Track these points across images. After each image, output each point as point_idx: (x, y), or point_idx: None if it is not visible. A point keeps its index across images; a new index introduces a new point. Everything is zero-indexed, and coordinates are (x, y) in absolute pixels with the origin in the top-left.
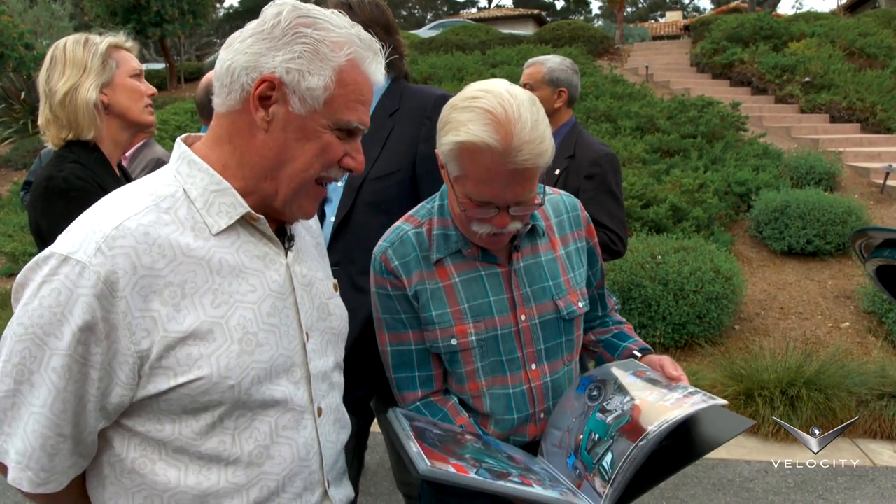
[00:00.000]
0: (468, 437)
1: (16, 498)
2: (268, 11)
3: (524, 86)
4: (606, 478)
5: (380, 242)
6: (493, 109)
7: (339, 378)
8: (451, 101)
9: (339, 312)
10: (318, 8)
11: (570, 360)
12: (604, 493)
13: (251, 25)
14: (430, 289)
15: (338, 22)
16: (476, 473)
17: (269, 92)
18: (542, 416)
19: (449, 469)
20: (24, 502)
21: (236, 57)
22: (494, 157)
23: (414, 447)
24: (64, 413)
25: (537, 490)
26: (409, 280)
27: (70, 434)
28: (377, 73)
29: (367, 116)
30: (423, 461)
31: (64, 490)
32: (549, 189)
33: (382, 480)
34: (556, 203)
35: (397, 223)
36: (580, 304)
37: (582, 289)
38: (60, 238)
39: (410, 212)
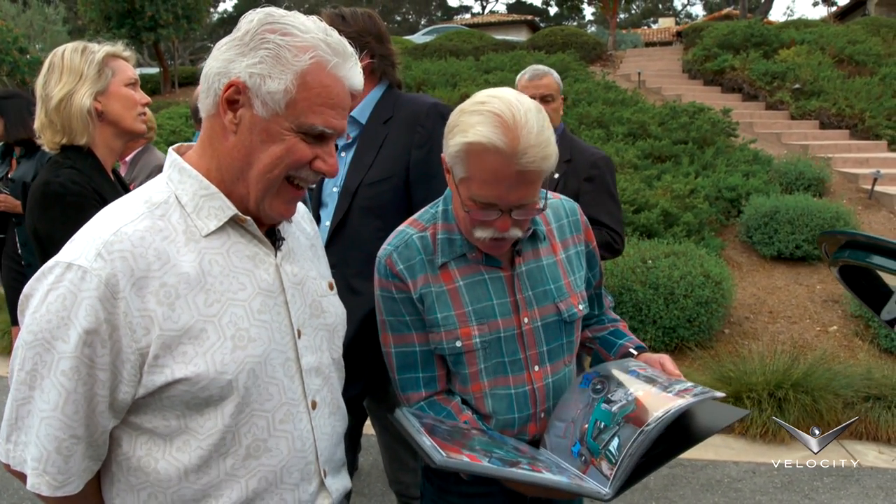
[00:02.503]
0: (474, 431)
1: (11, 499)
2: (244, 19)
3: (545, 97)
4: (613, 461)
5: (384, 246)
6: (502, 113)
7: (334, 372)
8: (459, 107)
9: (333, 310)
10: (293, 15)
11: (570, 360)
12: (611, 475)
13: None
14: (434, 292)
15: (307, 27)
16: (489, 462)
17: (235, 96)
18: (542, 415)
19: (463, 458)
20: (21, 502)
21: (212, 63)
22: (501, 158)
23: (427, 440)
24: (76, 415)
25: (547, 476)
26: (415, 283)
27: (83, 436)
28: (351, 77)
29: (337, 120)
30: (438, 453)
31: (81, 493)
32: (550, 194)
33: (376, 481)
34: (556, 208)
35: (400, 227)
36: (580, 307)
37: (582, 292)
38: (64, 248)
39: (414, 216)
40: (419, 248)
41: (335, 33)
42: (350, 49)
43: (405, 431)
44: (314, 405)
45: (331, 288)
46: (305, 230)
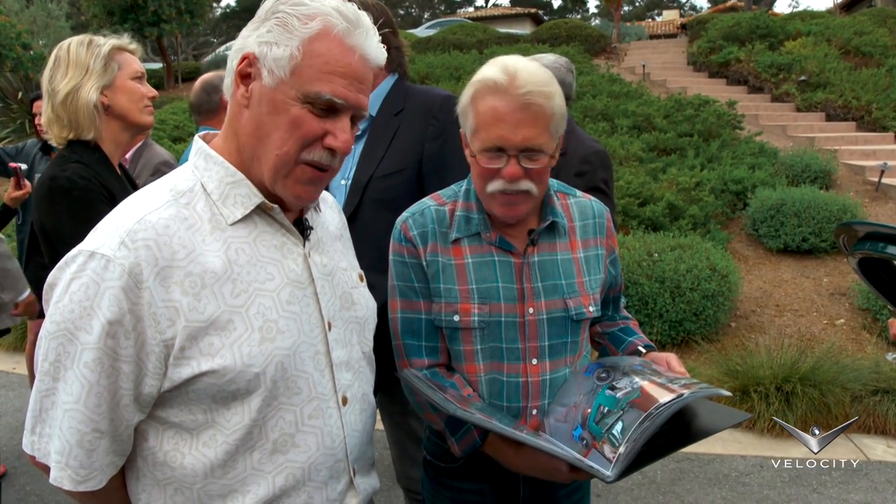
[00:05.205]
0: (477, 403)
1: (18, 495)
2: (264, 1)
3: None
4: (616, 444)
5: (403, 214)
6: (504, 61)
7: (365, 367)
8: None
9: (363, 302)
10: None
11: (573, 362)
12: (614, 458)
13: None
14: (442, 262)
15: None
16: (497, 422)
17: (248, 69)
18: (533, 412)
19: (475, 414)
20: (24, 501)
21: (234, 45)
22: (500, 91)
23: (440, 395)
24: (98, 408)
25: (550, 445)
26: (425, 249)
27: (107, 430)
28: (367, 47)
29: (349, 91)
30: (452, 405)
31: (105, 488)
32: (579, 193)
33: (382, 476)
34: (583, 207)
35: (423, 199)
36: (591, 308)
37: (595, 294)
38: (88, 237)
39: (437, 192)
40: (433, 218)
41: (351, 6)
42: (366, 20)
43: (415, 388)
44: (345, 401)
45: (361, 279)
46: (334, 219)
